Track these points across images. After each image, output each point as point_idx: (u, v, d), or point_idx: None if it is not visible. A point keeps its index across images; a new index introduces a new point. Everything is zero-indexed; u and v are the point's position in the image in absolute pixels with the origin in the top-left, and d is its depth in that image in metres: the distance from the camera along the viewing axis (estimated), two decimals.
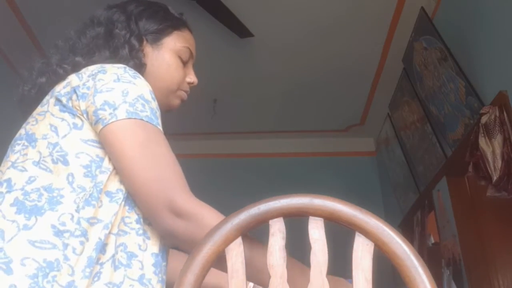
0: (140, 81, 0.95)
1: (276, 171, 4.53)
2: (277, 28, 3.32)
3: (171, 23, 1.11)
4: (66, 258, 0.80)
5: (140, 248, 0.89)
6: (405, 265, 0.74)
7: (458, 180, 2.91)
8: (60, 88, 0.95)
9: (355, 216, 0.78)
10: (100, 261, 0.83)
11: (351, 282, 0.75)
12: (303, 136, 4.76)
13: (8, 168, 0.89)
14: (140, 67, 1.04)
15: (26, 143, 0.91)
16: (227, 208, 1.02)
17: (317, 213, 0.80)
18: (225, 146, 4.76)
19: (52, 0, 3.07)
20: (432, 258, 3.15)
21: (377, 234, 0.76)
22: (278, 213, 0.81)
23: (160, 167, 0.86)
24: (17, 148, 0.92)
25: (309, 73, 3.78)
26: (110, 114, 0.88)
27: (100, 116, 0.88)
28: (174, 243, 0.92)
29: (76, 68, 1.00)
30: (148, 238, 0.91)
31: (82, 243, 0.83)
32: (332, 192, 0.92)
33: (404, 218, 3.85)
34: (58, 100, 0.93)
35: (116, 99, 0.89)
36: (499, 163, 2.13)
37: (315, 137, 4.75)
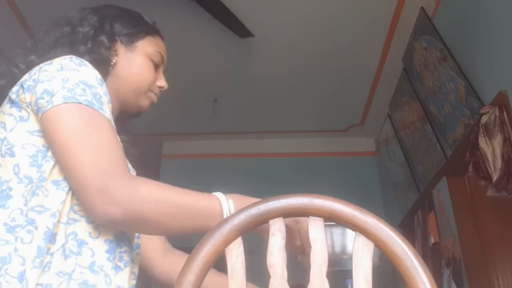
0: (85, 68, 0.94)
1: (276, 171, 4.53)
2: (277, 28, 3.32)
3: (144, 28, 1.15)
4: (16, 249, 0.81)
5: (90, 236, 0.88)
6: (405, 265, 0.74)
7: (458, 180, 2.91)
8: (14, 87, 0.96)
9: (355, 216, 0.78)
10: (50, 251, 0.84)
11: (351, 282, 0.75)
12: (303, 136, 4.76)
13: None
14: (100, 62, 1.03)
15: None
16: None
17: (317, 213, 0.80)
18: (225, 146, 4.76)
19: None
20: (432, 258, 3.15)
21: (377, 234, 0.76)
22: (278, 213, 0.81)
23: (94, 152, 0.84)
24: None
25: (309, 73, 3.79)
26: (47, 101, 0.88)
27: (39, 105, 0.89)
28: (118, 230, 0.92)
29: (30, 66, 1.00)
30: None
31: (29, 231, 0.83)
32: (332, 192, 0.92)
33: (404, 218, 3.85)
34: (9, 98, 0.94)
35: (55, 86, 0.89)
36: (499, 163, 2.13)
37: (315, 137, 4.75)
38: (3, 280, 0.78)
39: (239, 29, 3.17)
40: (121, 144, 0.93)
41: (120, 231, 0.92)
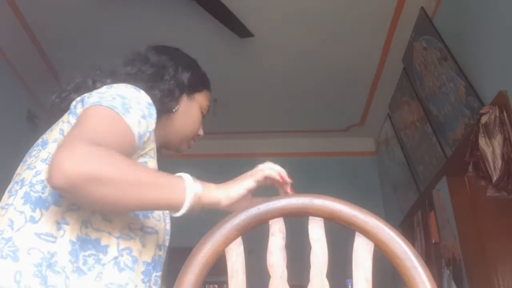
0: (133, 90, 0.99)
1: None
2: (277, 28, 3.32)
3: (204, 82, 1.26)
4: (61, 249, 0.86)
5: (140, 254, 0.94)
6: (404, 265, 0.74)
7: (458, 180, 2.91)
8: (77, 99, 1.01)
9: (355, 216, 0.78)
10: (102, 262, 0.88)
11: (351, 282, 0.75)
12: (303, 136, 4.76)
13: (24, 170, 0.96)
14: (162, 111, 1.08)
15: (40, 148, 0.98)
16: None
17: (317, 213, 0.80)
18: (225, 146, 4.76)
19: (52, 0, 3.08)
20: (432, 258, 3.15)
21: (377, 234, 0.76)
22: (278, 213, 0.81)
23: (85, 131, 0.85)
24: (34, 153, 0.99)
25: (309, 73, 3.78)
26: (82, 107, 0.94)
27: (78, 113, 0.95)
28: (73, 193, 0.82)
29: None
30: (144, 246, 0.95)
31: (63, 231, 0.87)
32: (332, 192, 0.92)
33: (404, 218, 3.85)
34: (70, 109, 1.00)
35: (93, 97, 0.94)
36: (499, 163, 2.13)
37: (315, 137, 4.75)
38: None
39: (239, 29, 3.17)
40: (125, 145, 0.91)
41: (86, 233, 0.89)
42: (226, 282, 0.78)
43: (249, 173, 0.93)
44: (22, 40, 3.36)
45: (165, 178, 0.86)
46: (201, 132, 1.26)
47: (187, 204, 0.85)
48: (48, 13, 3.16)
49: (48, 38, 3.40)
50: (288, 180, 0.92)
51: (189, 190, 0.86)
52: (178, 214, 0.86)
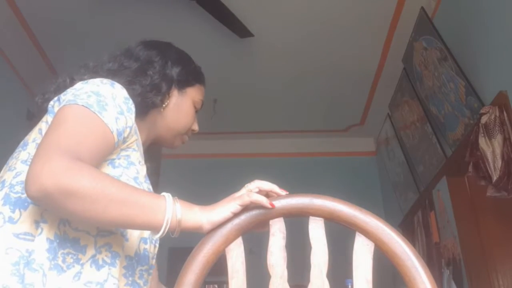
0: (106, 85, 0.97)
1: (276, 171, 4.52)
2: (277, 28, 3.32)
3: (196, 76, 1.24)
4: (39, 247, 0.85)
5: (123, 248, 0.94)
6: (405, 265, 0.74)
7: (458, 180, 2.91)
8: (54, 98, 1.00)
9: (355, 216, 0.78)
10: (81, 262, 0.87)
11: (351, 282, 0.75)
12: (303, 136, 4.76)
13: (6, 172, 0.96)
14: (147, 106, 1.08)
15: (21, 149, 0.98)
16: None
17: (317, 213, 0.80)
18: (225, 146, 4.76)
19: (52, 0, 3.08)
20: (433, 258, 3.15)
21: (377, 234, 0.76)
22: (278, 213, 0.81)
23: (59, 136, 0.84)
24: (15, 154, 0.99)
25: (309, 73, 3.79)
26: (59, 106, 0.93)
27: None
28: (50, 206, 0.83)
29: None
30: (127, 240, 0.95)
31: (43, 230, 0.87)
32: (332, 192, 0.92)
33: (404, 218, 3.85)
34: (48, 109, 0.99)
35: (68, 95, 0.93)
36: (499, 163, 2.13)
37: (315, 137, 4.75)
38: None
39: (239, 29, 3.17)
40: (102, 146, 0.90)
41: (64, 231, 0.89)
42: (226, 282, 0.78)
43: (236, 194, 0.89)
44: (22, 40, 3.36)
45: (145, 198, 0.83)
46: (195, 127, 1.24)
47: (164, 227, 0.82)
48: (48, 13, 3.16)
49: (48, 39, 3.40)
50: (282, 193, 0.88)
51: (168, 212, 0.82)
52: (157, 236, 0.84)
